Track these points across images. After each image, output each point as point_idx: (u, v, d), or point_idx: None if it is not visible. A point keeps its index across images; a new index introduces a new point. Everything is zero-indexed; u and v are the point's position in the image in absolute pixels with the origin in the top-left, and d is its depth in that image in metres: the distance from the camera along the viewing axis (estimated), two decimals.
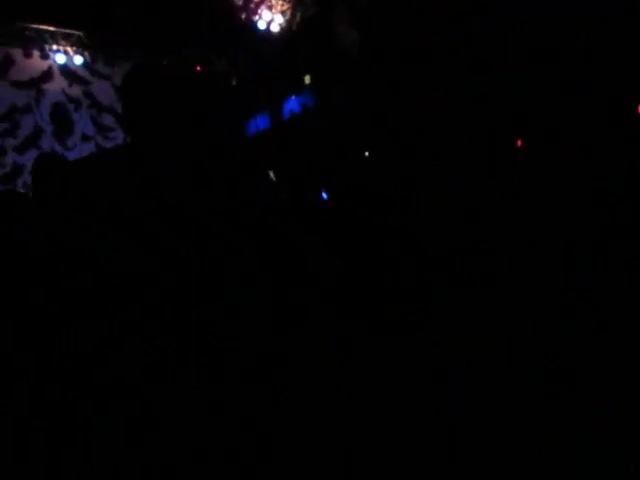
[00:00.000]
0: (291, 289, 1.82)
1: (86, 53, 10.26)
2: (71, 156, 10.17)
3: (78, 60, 10.20)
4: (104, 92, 10.99)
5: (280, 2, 10.03)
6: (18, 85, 10.03)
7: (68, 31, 9.84)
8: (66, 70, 10.50)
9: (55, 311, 1.62)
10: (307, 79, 11.04)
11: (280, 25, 10.06)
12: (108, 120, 11.09)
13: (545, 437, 1.95)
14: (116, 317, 1.60)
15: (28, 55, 9.91)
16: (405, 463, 1.85)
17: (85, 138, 10.83)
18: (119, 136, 10.98)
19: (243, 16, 9.65)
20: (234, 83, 12.09)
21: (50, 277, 1.65)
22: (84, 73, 10.80)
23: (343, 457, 1.77)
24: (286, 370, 1.76)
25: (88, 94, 10.92)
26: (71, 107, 10.72)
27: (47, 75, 10.38)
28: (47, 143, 10.34)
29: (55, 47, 9.91)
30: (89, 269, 1.61)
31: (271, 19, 9.92)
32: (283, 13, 10.13)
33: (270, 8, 9.93)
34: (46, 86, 10.39)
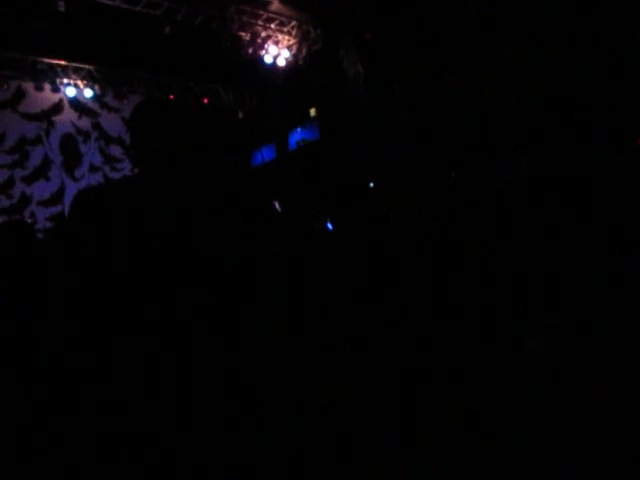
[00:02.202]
0: (293, 295, 1.85)
1: (96, 86, 10.46)
2: (79, 186, 10.31)
3: (88, 93, 10.40)
4: (113, 124, 11.19)
5: (286, 37, 10.24)
6: (29, 117, 10.23)
7: (79, 65, 10.06)
8: (76, 103, 10.71)
9: (59, 313, 1.65)
10: (312, 112, 11.21)
11: (286, 59, 10.25)
12: (116, 151, 11.26)
13: (545, 436, 1.95)
14: (117, 329, 1.62)
15: (39, 88, 10.13)
16: (405, 462, 1.85)
17: (93, 169, 10.98)
18: (127, 167, 11.14)
19: (250, 50, 9.83)
20: (240, 115, 12.27)
21: (55, 279, 1.68)
22: (94, 106, 11.02)
23: (343, 455, 1.78)
24: (286, 372, 1.78)
25: (97, 126, 11.12)
26: (80, 139, 10.90)
27: (57, 107, 10.59)
28: (56, 174, 10.48)
29: (66, 80, 10.12)
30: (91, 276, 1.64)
31: (277, 53, 10.11)
32: (289, 48, 10.33)
33: (277, 43, 10.13)
34: (56, 118, 10.59)
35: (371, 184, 7.76)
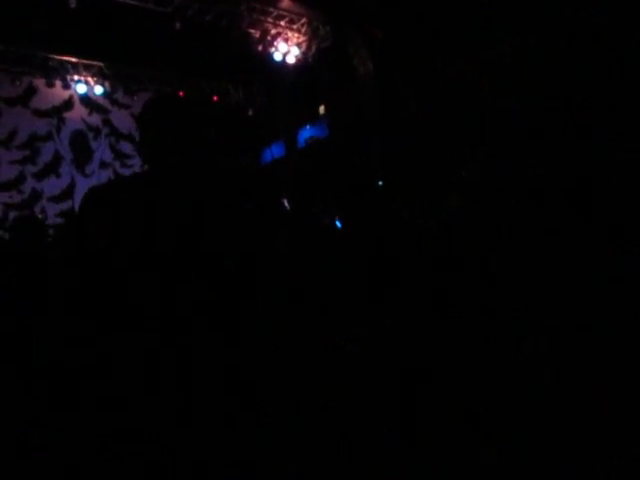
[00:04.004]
0: (294, 293, 1.85)
1: (106, 83, 10.51)
2: (89, 182, 10.37)
3: (98, 90, 10.45)
4: (123, 121, 11.24)
5: (296, 34, 10.23)
6: (40, 114, 10.29)
7: (89, 62, 10.12)
8: (86, 99, 10.76)
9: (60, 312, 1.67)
10: (322, 109, 11.20)
11: (296, 57, 10.24)
12: (126, 148, 11.31)
13: (545, 436, 1.95)
14: (119, 326, 1.63)
15: (50, 85, 10.19)
16: (406, 461, 1.86)
17: (103, 165, 11.04)
18: (137, 163, 11.18)
19: (260, 48, 9.84)
20: (250, 113, 12.28)
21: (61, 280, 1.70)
22: (104, 102, 11.07)
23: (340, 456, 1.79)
24: (286, 370, 1.79)
25: (107, 122, 11.18)
26: (90, 135, 10.96)
27: (68, 104, 10.64)
28: (66, 170, 10.55)
29: (77, 77, 10.18)
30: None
31: (287, 51, 10.11)
32: (299, 45, 10.32)
33: (286, 40, 10.13)
34: (67, 114, 10.65)
35: (380, 182, 7.75)
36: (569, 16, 5.84)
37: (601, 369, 2.15)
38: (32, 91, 10.18)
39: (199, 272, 1.75)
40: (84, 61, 10.04)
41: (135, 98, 11.00)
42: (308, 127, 11.46)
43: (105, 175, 10.93)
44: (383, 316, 2.12)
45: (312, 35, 10.28)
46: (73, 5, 7.70)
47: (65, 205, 10.35)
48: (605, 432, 1.95)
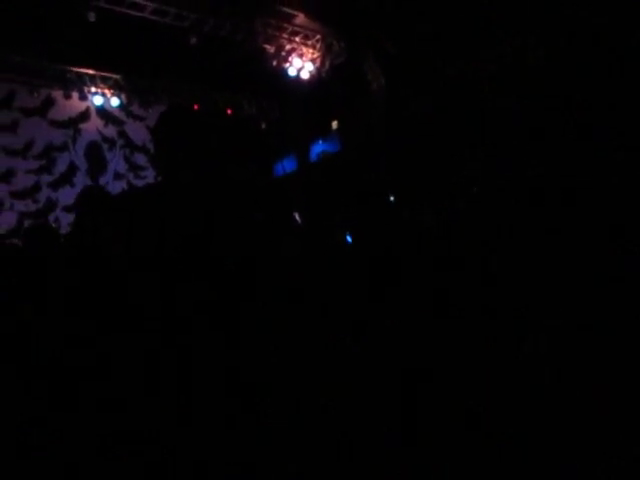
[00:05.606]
0: (293, 293, 1.86)
1: (122, 95, 10.65)
2: None
3: (115, 102, 10.59)
4: (138, 132, 11.36)
5: (310, 50, 10.34)
6: (57, 124, 10.44)
7: (107, 74, 10.27)
8: (102, 111, 10.91)
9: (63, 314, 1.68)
10: (334, 124, 11.26)
11: (310, 72, 10.33)
12: (140, 159, 11.42)
13: (545, 436, 1.92)
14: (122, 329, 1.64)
15: (68, 96, 10.34)
16: (405, 461, 1.84)
17: (118, 176, 11.15)
18: (150, 175, 11.27)
19: (274, 63, 9.95)
20: (263, 126, 12.37)
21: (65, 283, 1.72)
22: (120, 114, 11.21)
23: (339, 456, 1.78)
24: (286, 370, 1.78)
25: (122, 134, 11.31)
26: (105, 146, 11.09)
27: (84, 115, 10.79)
28: (81, 180, 10.66)
29: (94, 89, 10.32)
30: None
31: (301, 66, 10.21)
32: (313, 61, 10.41)
33: (301, 56, 10.23)
34: (83, 126, 10.80)
35: (392, 198, 7.74)
36: (569, 16, 5.87)
37: (601, 369, 2.13)
38: (50, 102, 10.33)
39: (199, 273, 1.76)
40: (101, 73, 10.19)
41: (150, 110, 11.13)
42: (320, 142, 11.52)
43: (119, 186, 11.03)
44: (383, 316, 2.12)
45: (326, 51, 10.37)
46: (92, 19, 7.87)
47: None
48: (605, 432, 1.93)
